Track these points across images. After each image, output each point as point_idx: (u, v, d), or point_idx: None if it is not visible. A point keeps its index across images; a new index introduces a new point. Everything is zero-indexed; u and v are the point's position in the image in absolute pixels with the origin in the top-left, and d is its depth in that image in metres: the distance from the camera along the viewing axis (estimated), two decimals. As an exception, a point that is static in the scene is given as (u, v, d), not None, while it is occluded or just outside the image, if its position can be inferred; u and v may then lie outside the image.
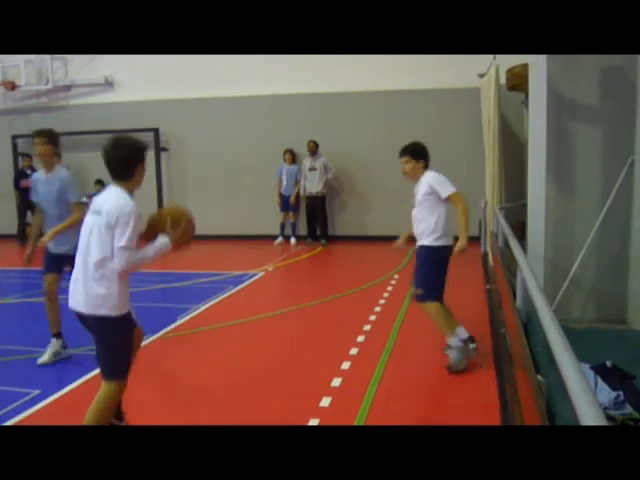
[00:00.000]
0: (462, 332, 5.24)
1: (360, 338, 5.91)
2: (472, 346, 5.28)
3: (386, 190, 12.18)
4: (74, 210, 5.31)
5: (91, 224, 3.37)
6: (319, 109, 12.63)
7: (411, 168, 5.21)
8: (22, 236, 12.41)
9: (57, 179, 5.33)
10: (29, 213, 12.22)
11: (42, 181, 5.40)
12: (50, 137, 5.33)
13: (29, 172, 12.28)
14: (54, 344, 5.45)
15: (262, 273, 9.47)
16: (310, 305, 7.43)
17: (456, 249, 5.03)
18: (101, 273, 3.31)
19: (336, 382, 4.79)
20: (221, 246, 12.43)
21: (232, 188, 13.15)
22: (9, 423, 4.14)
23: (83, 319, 3.45)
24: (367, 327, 6.28)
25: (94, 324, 3.40)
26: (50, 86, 13.59)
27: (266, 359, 5.49)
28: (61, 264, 5.33)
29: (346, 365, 5.18)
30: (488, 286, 7.42)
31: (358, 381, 4.82)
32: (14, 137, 13.93)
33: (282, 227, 12.69)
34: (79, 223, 5.26)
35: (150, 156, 12.86)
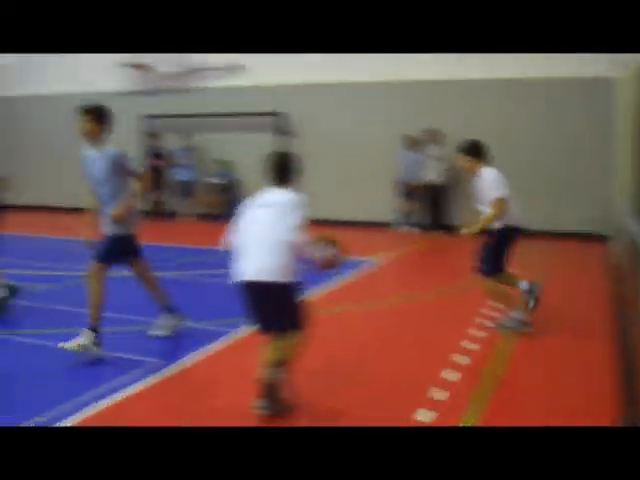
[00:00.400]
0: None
1: (481, 333, 5.77)
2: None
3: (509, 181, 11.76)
4: (138, 180, 5.35)
5: (264, 215, 4.01)
6: (443, 96, 12.38)
7: (464, 164, 5.89)
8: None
9: (107, 156, 5.18)
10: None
11: (92, 159, 5.26)
12: (96, 114, 5.18)
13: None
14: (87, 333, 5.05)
15: (380, 260, 9.44)
16: (430, 294, 7.36)
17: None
18: (281, 249, 3.89)
19: (452, 376, 4.71)
20: (338, 231, 12.37)
21: (350, 173, 13.18)
22: (126, 391, 4.40)
23: (256, 289, 3.92)
24: (487, 322, 6.09)
25: (275, 290, 3.91)
26: (181, 69, 13.97)
27: (387, 343, 5.59)
28: (123, 247, 5.35)
29: (464, 359, 5.08)
30: (616, 287, 7.03)
31: (472, 376, 4.73)
32: (143, 118, 14.52)
33: (401, 215, 12.60)
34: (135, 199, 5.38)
35: (274, 139, 13.14)
